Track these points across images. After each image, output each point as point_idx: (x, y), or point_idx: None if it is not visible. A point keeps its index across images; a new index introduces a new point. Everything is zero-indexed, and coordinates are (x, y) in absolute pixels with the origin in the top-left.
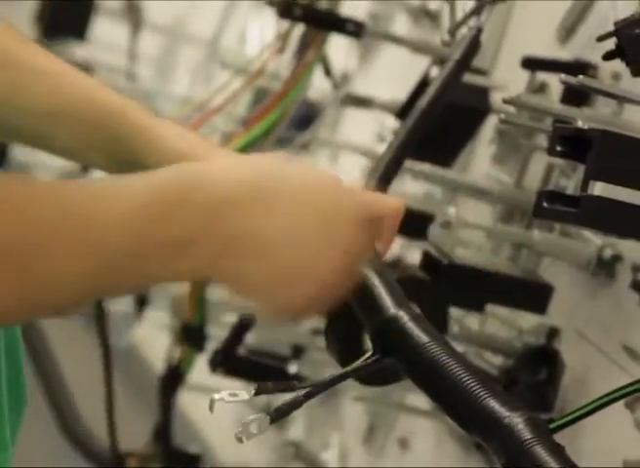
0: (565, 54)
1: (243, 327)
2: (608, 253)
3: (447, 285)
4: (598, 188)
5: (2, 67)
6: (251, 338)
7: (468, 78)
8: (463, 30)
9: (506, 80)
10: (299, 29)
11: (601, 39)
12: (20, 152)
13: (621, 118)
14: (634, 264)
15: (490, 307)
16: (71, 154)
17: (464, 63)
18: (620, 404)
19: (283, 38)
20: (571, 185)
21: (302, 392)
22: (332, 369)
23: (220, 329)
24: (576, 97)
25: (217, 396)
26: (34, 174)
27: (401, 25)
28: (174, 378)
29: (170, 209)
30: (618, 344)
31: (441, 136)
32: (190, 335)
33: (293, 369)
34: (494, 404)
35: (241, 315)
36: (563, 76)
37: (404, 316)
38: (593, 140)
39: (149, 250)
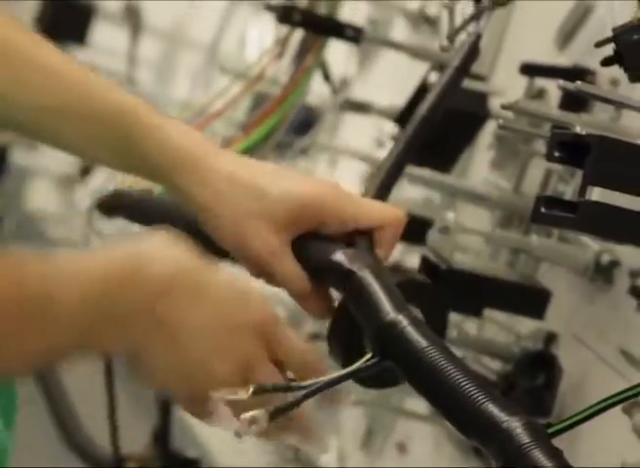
0: (563, 60)
1: None
2: (606, 258)
3: (445, 290)
4: (596, 194)
5: (6, 62)
6: None
7: (467, 84)
8: (462, 36)
9: (505, 86)
10: (298, 34)
11: (599, 45)
12: (19, 157)
13: (619, 124)
14: (632, 270)
15: (488, 312)
16: (75, 150)
17: (463, 70)
18: (618, 408)
19: (282, 43)
20: (569, 191)
21: (301, 392)
22: (330, 372)
23: None
24: (574, 103)
25: (216, 394)
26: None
27: (400, 31)
28: None
29: (115, 288)
30: (615, 349)
31: (440, 142)
32: None
33: (290, 374)
34: (492, 408)
35: None
36: (561, 82)
37: (403, 320)
38: (591, 146)
39: (94, 326)
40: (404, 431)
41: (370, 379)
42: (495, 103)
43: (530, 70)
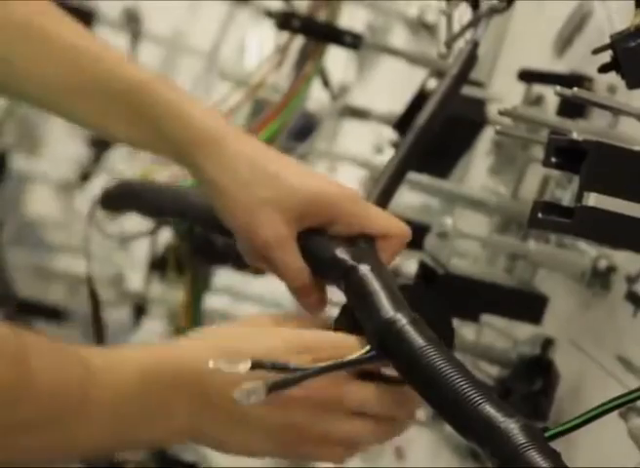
0: (561, 66)
1: None
2: (603, 264)
3: (443, 295)
4: (593, 200)
5: (28, 39)
6: None
7: (465, 90)
8: (460, 42)
9: (503, 92)
10: (298, 42)
11: (597, 52)
12: (19, 162)
13: (617, 130)
14: (629, 275)
15: (486, 317)
16: (95, 126)
17: (462, 78)
18: (614, 413)
19: (282, 51)
20: (566, 197)
21: (299, 373)
22: None
23: None
24: (571, 109)
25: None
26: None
27: (399, 37)
28: None
29: (156, 393)
30: (612, 355)
31: (438, 148)
32: None
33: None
34: (489, 409)
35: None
36: (558, 88)
37: (402, 319)
38: (588, 152)
39: (130, 423)
40: (401, 436)
41: None
42: (493, 110)
43: (528, 77)
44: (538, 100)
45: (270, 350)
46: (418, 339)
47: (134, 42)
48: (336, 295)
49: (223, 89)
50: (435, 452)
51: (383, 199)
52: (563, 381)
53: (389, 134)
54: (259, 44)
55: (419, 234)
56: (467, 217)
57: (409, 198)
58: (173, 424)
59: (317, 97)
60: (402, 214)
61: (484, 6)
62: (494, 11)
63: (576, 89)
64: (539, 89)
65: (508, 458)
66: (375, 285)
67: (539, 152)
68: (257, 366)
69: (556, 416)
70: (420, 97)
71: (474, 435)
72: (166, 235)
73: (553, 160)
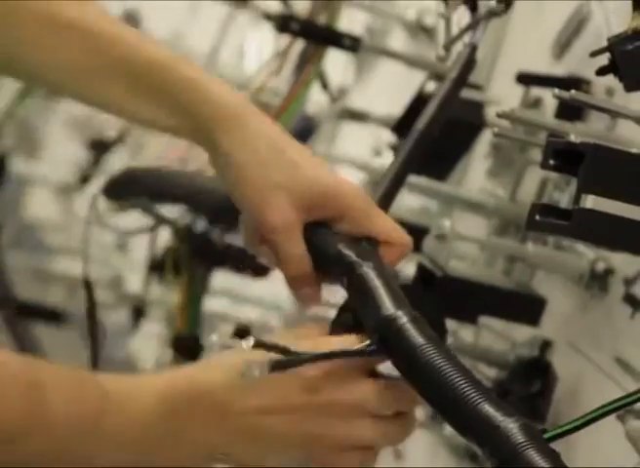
0: (560, 69)
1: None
2: (601, 266)
3: (441, 297)
4: (591, 202)
5: (40, 26)
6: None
7: (464, 93)
8: (459, 45)
9: (501, 95)
10: (298, 46)
11: (594, 54)
12: (18, 165)
13: (615, 133)
14: (626, 278)
15: (484, 319)
16: (115, 108)
17: (461, 81)
18: (612, 416)
19: (282, 56)
20: (564, 199)
21: (301, 356)
22: None
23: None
24: (570, 112)
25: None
26: (33, 186)
27: (397, 40)
28: None
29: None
30: (610, 357)
31: (437, 150)
32: (181, 346)
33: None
34: (488, 408)
35: (237, 326)
36: (556, 91)
37: (402, 317)
38: (585, 154)
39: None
40: None
41: None
42: (491, 112)
43: (526, 80)
44: (536, 103)
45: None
46: (418, 338)
47: None
48: (332, 297)
49: None
50: (433, 453)
51: (384, 203)
52: (561, 383)
53: (388, 136)
54: (258, 47)
55: (417, 236)
56: (466, 220)
57: (408, 200)
58: (189, 448)
59: (316, 100)
60: (401, 216)
61: (482, 9)
62: (492, 14)
63: (573, 91)
64: (537, 92)
65: (507, 457)
66: (376, 282)
67: (537, 155)
68: (259, 344)
69: (554, 418)
70: (419, 100)
71: (473, 434)
72: (165, 237)
73: (551, 162)
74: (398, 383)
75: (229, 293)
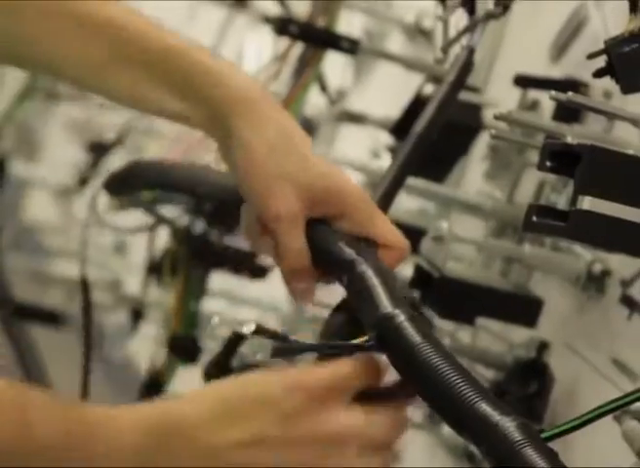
0: (557, 72)
1: (236, 339)
2: (597, 267)
3: (439, 298)
4: (588, 203)
5: (52, 19)
6: (245, 350)
7: (462, 95)
8: (456, 48)
9: (499, 97)
10: (296, 49)
11: (591, 57)
12: (17, 168)
13: (611, 135)
14: (623, 279)
15: (481, 321)
16: (126, 98)
17: (459, 84)
18: (608, 416)
19: (281, 60)
20: (562, 201)
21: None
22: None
23: (215, 341)
24: (567, 114)
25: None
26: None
27: (395, 43)
28: (153, 387)
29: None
30: (607, 358)
31: (434, 152)
32: (178, 346)
33: None
34: (485, 407)
35: (234, 328)
36: (553, 92)
37: (400, 315)
38: (582, 155)
39: None
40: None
41: None
42: (489, 115)
43: (523, 82)
44: (533, 106)
45: (257, 395)
46: (415, 336)
47: None
48: (327, 298)
49: None
50: (431, 454)
51: (383, 205)
52: (558, 384)
53: (386, 138)
54: (257, 50)
55: (415, 238)
56: (463, 221)
57: (406, 202)
58: None
59: (315, 103)
60: (398, 217)
61: (480, 11)
62: (490, 16)
63: (570, 93)
64: (534, 94)
65: (504, 456)
66: (375, 280)
67: (534, 157)
68: (260, 330)
69: (551, 419)
70: (417, 102)
71: (470, 433)
72: (164, 239)
73: (548, 164)
74: (384, 410)
75: (227, 295)
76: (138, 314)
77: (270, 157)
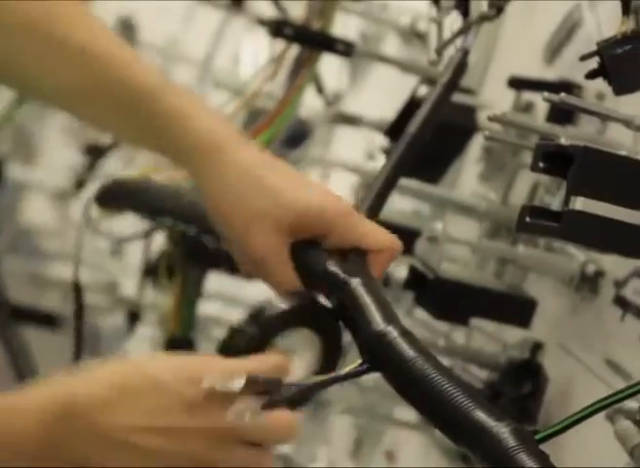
0: (551, 74)
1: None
2: (591, 268)
3: (433, 299)
4: (581, 204)
5: (31, 42)
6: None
7: (456, 97)
8: (451, 50)
9: (493, 99)
10: (292, 51)
11: (584, 58)
12: (14, 171)
13: (605, 136)
14: (616, 280)
15: (475, 321)
16: (100, 126)
17: (452, 85)
18: (601, 416)
19: (277, 62)
20: (555, 202)
21: (293, 389)
22: None
23: (210, 343)
24: (561, 116)
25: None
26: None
27: (391, 46)
28: None
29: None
30: (600, 358)
31: (429, 154)
32: (174, 348)
33: None
34: (480, 414)
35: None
36: (546, 94)
37: (393, 331)
38: (575, 156)
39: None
40: (392, 439)
41: None
42: (483, 117)
43: (517, 84)
44: (527, 108)
45: (158, 382)
46: (408, 351)
47: None
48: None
49: (218, 98)
50: (425, 455)
51: (376, 205)
52: (552, 384)
53: (381, 140)
54: (253, 53)
55: (409, 239)
56: (457, 223)
57: (400, 203)
58: (66, 461)
59: (310, 105)
60: (393, 219)
61: (474, 13)
62: (484, 18)
63: (563, 94)
64: (528, 96)
65: (499, 461)
66: (365, 298)
67: (528, 158)
68: (251, 382)
69: (545, 419)
70: (412, 104)
71: (465, 440)
72: (160, 241)
73: (541, 165)
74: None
75: (223, 296)
76: (134, 316)
77: (240, 203)
